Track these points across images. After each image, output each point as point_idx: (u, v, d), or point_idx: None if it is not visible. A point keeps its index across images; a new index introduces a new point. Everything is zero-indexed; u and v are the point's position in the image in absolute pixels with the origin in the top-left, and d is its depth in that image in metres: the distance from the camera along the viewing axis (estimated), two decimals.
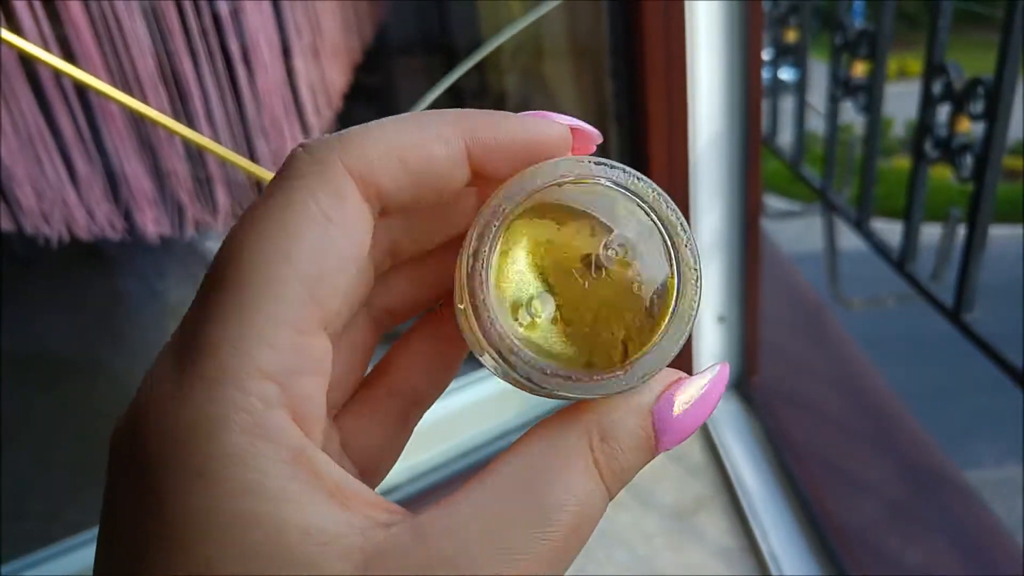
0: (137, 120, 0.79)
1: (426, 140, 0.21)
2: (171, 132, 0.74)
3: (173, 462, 0.18)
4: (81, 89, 0.75)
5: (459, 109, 0.22)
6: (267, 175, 0.67)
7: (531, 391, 0.22)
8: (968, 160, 0.76)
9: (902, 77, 6.18)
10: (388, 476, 0.27)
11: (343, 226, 0.20)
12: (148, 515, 0.18)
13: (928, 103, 0.82)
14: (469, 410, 1.00)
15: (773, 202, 5.05)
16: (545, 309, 0.22)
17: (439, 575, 0.18)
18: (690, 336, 0.24)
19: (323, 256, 0.19)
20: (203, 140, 0.54)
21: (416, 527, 0.18)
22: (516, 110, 0.23)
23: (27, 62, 0.72)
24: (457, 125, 0.21)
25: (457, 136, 0.21)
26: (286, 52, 0.86)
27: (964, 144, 0.77)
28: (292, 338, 0.19)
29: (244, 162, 0.68)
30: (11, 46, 0.60)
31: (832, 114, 1.09)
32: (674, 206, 0.22)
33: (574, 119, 0.23)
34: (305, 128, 0.89)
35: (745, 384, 1.10)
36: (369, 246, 0.21)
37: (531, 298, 0.22)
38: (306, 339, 0.19)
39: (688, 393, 0.22)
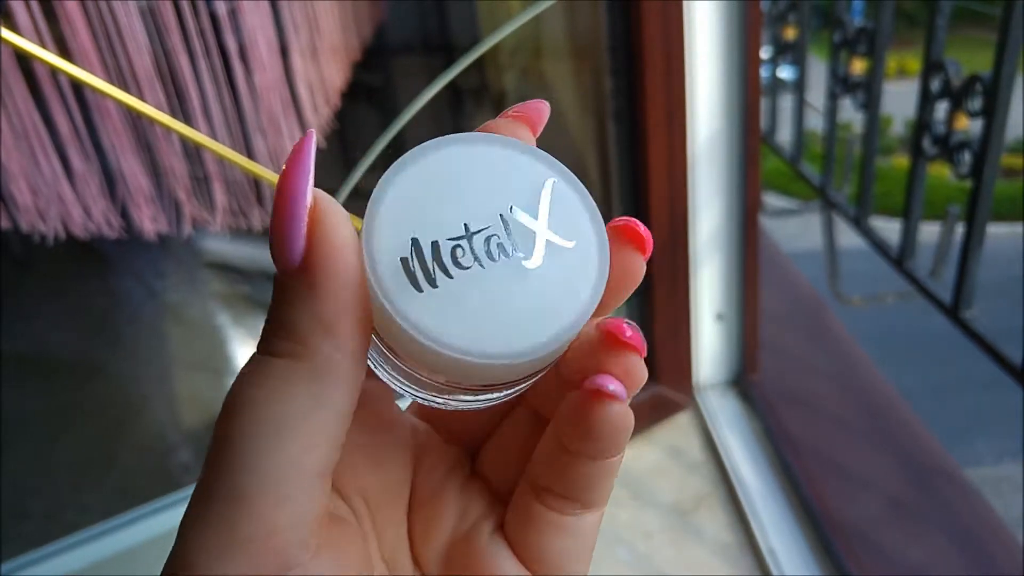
0: (134, 117, 0.78)
1: None
2: (168, 129, 0.74)
3: None
4: (77, 86, 0.75)
5: None
6: (265, 173, 0.67)
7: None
8: (966, 157, 0.76)
9: (901, 76, 6.18)
10: None
11: None
12: None
13: (926, 100, 0.82)
14: None
15: (772, 200, 5.05)
16: None
17: None
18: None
19: None
20: (200, 137, 0.54)
21: None
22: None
23: (23, 59, 0.72)
24: None
25: None
26: (284, 50, 0.86)
27: (962, 141, 0.77)
28: None
29: (242, 160, 0.68)
30: (7, 43, 0.60)
31: (831, 112, 1.09)
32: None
33: None
34: (303, 126, 0.89)
35: (744, 381, 1.10)
36: None
37: None
38: None
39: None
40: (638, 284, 0.23)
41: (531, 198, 0.21)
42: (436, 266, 0.20)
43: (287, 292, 0.19)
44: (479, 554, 0.23)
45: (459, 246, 0.20)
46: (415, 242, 0.20)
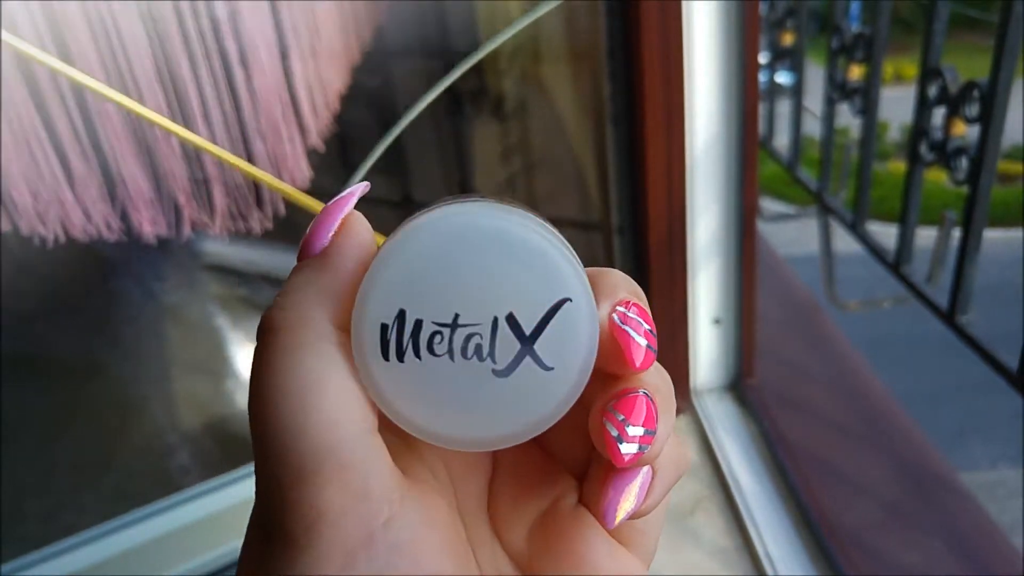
0: (134, 120, 0.79)
1: None
2: (168, 132, 0.74)
3: None
4: (77, 88, 0.75)
5: None
6: (264, 176, 0.68)
7: None
8: (963, 163, 0.77)
9: (898, 82, 6.19)
10: None
11: None
12: None
13: (923, 106, 0.82)
14: None
15: (769, 205, 5.06)
16: None
17: None
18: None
19: None
20: (200, 141, 0.55)
21: None
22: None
23: (24, 62, 0.72)
24: None
25: None
26: (284, 54, 0.86)
27: (959, 147, 0.77)
28: None
29: (241, 163, 0.69)
30: (7, 46, 0.60)
31: (828, 117, 1.09)
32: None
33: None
34: (303, 129, 0.90)
35: (741, 386, 1.10)
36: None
37: None
38: None
39: None
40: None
41: (536, 310, 0.21)
42: (411, 344, 0.20)
43: (296, 272, 0.21)
44: (566, 524, 0.24)
45: (440, 333, 0.20)
46: (401, 315, 0.20)
